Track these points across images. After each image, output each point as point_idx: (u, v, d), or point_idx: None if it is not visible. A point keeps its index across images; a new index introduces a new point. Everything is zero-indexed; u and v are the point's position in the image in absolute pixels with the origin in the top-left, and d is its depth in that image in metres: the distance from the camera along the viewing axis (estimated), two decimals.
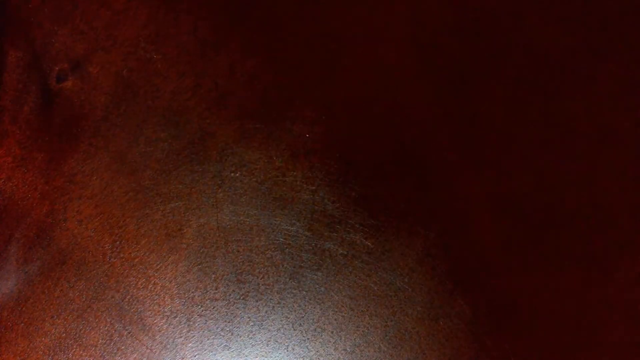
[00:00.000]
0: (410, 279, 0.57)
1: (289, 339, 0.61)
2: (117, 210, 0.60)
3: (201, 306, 0.61)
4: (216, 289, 0.61)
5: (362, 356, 0.57)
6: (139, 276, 0.60)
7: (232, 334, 0.61)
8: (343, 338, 0.57)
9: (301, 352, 0.60)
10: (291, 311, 0.61)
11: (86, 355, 0.60)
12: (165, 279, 0.61)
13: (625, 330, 0.60)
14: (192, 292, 0.61)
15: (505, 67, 0.61)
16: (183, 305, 0.61)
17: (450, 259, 0.57)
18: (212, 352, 0.61)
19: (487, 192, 0.61)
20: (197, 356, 0.61)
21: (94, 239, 0.60)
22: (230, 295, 0.61)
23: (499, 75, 0.61)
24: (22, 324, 0.60)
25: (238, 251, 0.61)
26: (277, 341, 0.61)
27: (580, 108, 0.61)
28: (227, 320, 0.61)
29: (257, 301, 0.61)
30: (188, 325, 0.61)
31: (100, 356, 0.60)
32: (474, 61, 0.61)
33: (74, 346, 0.60)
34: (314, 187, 0.60)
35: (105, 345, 0.60)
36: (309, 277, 0.59)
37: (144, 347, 0.60)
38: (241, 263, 0.61)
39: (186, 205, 0.61)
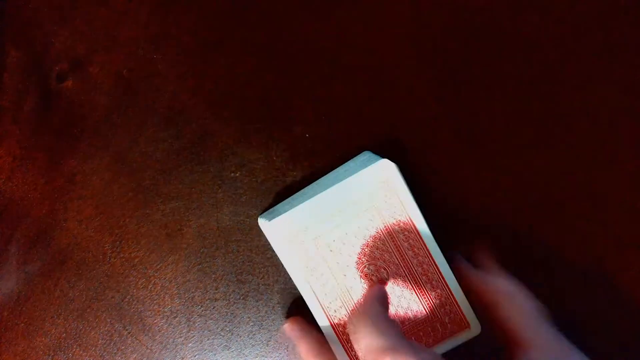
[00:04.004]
0: None
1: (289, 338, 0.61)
2: (117, 210, 0.61)
3: (201, 306, 0.61)
4: (216, 289, 0.61)
5: None
6: (139, 276, 0.60)
7: (232, 334, 0.61)
8: None
9: None
10: (291, 311, 0.61)
11: (86, 355, 0.60)
12: (165, 279, 0.61)
13: (625, 329, 0.60)
14: (192, 292, 0.61)
15: (505, 67, 0.61)
16: (183, 305, 0.61)
17: (451, 260, 0.57)
18: (212, 352, 0.61)
19: (487, 191, 0.61)
20: (197, 356, 0.61)
21: (94, 239, 0.60)
22: (230, 295, 0.61)
23: (499, 75, 0.61)
24: (22, 324, 0.60)
25: (238, 251, 0.61)
26: (277, 341, 0.61)
27: (580, 108, 0.61)
28: (227, 320, 0.61)
29: (257, 301, 0.61)
30: (188, 325, 0.61)
31: (100, 356, 0.60)
32: (474, 61, 0.61)
33: (74, 346, 0.60)
34: None
35: (105, 345, 0.60)
36: None
37: (144, 347, 0.60)
38: (241, 263, 0.61)
39: (186, 205, 0.61)
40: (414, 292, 0.54)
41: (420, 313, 0.54)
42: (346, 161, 0.60)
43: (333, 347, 0.54)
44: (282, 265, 0.59)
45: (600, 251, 0.61)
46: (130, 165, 0.61)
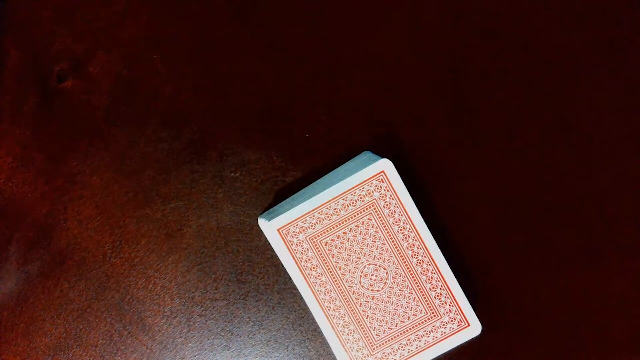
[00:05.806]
0: None
1: (289, 339, 0.61)
2: (117, 210, 0.61)
3: (201, 306, 0.61)
4: (216, 289, 0.61)
5: None
6: (139, 276, 0.60)
7: (232, 334, 0.61)
8: None
9: (301, 352, 0.60)
10: (291, 311, 0.61)
11: (86, 356, 0.60)
12: (165, 279, 0.61)
13: (625, 329, 0.60)
14: (192, 292, 0.61)
15: (506, 67, 0.61)
16: (183, 305, 0.61)
17: (451, 260, 0.57)
18: (212, 352, 0.61)
19: (487, 191, 0.61)
20: (197, 356, 0.61)
21: (94, 239, 0.60)
22: (230, 295, 0.61)
23: (499, 75, 0.61)
24: (23, 324, 0.60)
25: (238, 251, 0.61)
26: (277, 341, 0.61)
27: (580, 108, 0.61)
28: (227, 320, 0.61)
29: (257, 301, 0.61)
30: (188, 325, 0.61)
31: (100, 356, 0.60)
32: (474, 61, 0.61)
33: (74, 346, 0.60)
34: None
35: (105, 345, 0.60)
36: None
37: (144, 347, 0.60)
38: (241, 263, 0.61)
39: (186, 205, 0.61)
40: (413, 292, 0.54)
41: (420, 312, 0.54)
42: (346, 161, 0.60)
43: (333, 347, 0.54)
44: (282, 265, 0.59)
45: (600, 252, 0.61)
46: (130, 165, 0.61)
